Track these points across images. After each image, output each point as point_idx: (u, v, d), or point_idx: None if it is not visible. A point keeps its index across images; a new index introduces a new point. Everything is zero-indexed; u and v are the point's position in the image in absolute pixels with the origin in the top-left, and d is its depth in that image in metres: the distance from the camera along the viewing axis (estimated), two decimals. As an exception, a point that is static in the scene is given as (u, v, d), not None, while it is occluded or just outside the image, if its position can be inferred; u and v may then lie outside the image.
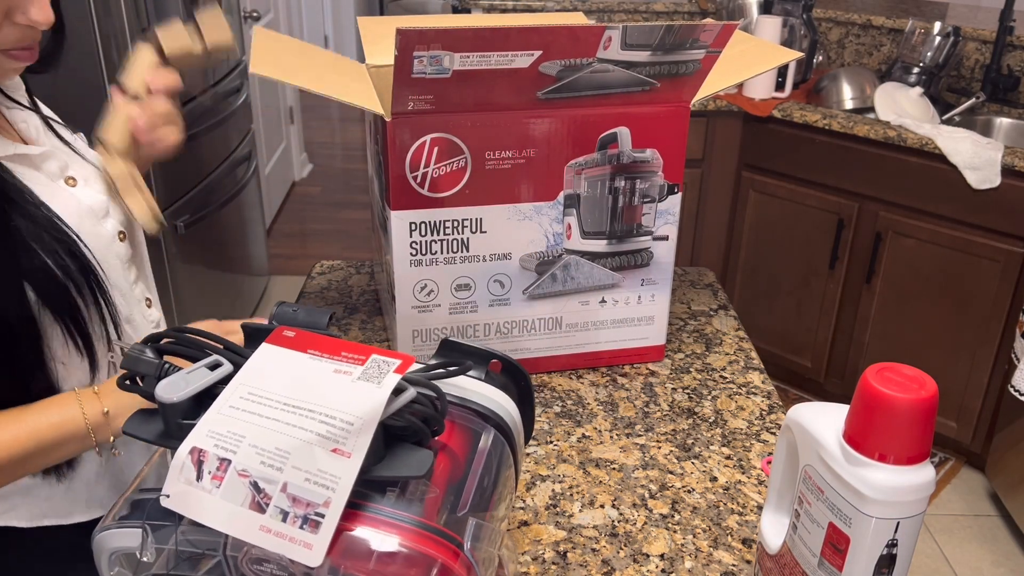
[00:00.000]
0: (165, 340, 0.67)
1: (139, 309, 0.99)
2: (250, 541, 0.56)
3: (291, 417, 0.59)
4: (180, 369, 0.64)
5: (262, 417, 0.59)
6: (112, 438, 0.84)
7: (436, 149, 1.04)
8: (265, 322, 0.71)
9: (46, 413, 0.82)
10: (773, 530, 0.80)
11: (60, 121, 0.99)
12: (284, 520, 0.56)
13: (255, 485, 0.57)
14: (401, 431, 0.61)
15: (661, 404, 1.15)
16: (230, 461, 0.57)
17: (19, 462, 0.80)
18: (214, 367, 0.64)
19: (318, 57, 1.16)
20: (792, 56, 1.20)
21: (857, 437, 0.66)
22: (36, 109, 0.95)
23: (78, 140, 1.01)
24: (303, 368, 0.63)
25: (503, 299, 1.15)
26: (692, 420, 1.12)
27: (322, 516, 0.56)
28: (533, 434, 0.96)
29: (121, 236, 0.96)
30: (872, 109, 2.53)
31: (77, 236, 0.86)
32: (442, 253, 1.10)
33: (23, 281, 0.80)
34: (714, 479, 1.01)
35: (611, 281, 1.17)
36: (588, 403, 1.15)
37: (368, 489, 0.59)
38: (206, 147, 2.67)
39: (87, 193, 0.92)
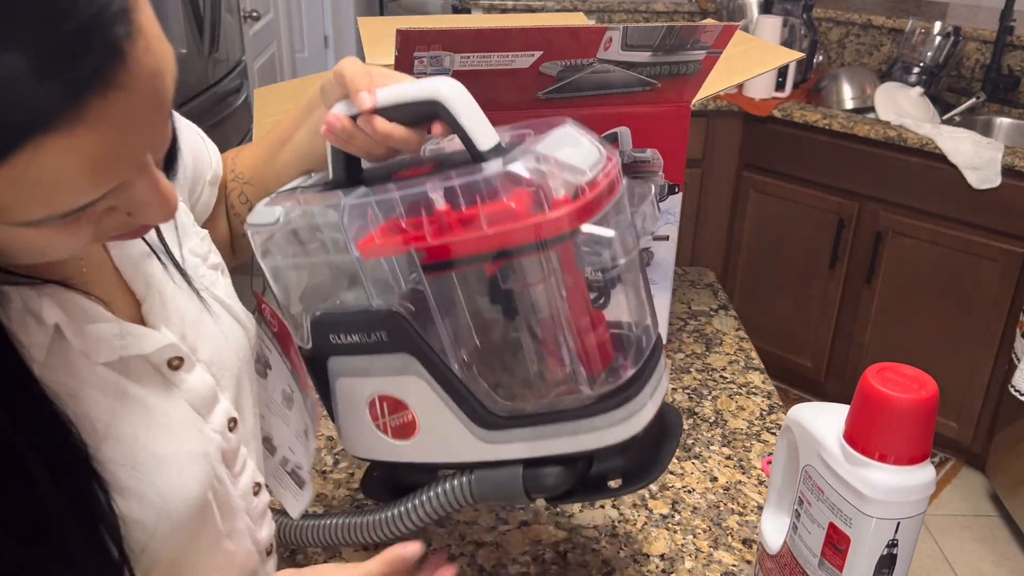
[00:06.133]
0: None
1: (244, 505, 0.67)
2: None
3: None
4: None
5: None
6: None
7: (436, 149, 1.04)
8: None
9: None
10: (773, 530, 0.80)
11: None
12: None
13: None
14: None
15: (661, 404, 1.15)
16: None
17: None
18: None
19: (316, 84, 1.17)
20: (792, 56, 1.20)
21: (857, 437, 0.66)
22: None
23: (200, 259, 0.69)
24: None
25: (503, 299, 1.15)
26: (692, 420, 1.12)
27: None
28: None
29: (231, 425, 0.65)
30: (872, 109, 2.53)
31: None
32: (442, 253, 1.10)
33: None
34: (714, 479, 1.01)
35: (611, 281, 1.17)
36: (588, 403, 1.15)
37: None
38: (206, 147, 2.66)
39: (194, 380, 0.62)
